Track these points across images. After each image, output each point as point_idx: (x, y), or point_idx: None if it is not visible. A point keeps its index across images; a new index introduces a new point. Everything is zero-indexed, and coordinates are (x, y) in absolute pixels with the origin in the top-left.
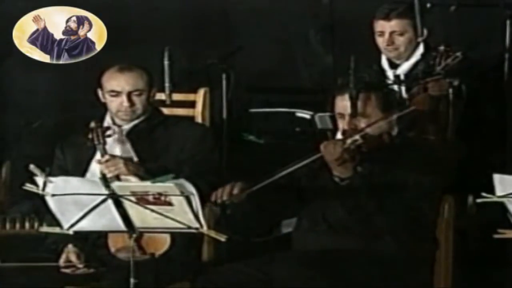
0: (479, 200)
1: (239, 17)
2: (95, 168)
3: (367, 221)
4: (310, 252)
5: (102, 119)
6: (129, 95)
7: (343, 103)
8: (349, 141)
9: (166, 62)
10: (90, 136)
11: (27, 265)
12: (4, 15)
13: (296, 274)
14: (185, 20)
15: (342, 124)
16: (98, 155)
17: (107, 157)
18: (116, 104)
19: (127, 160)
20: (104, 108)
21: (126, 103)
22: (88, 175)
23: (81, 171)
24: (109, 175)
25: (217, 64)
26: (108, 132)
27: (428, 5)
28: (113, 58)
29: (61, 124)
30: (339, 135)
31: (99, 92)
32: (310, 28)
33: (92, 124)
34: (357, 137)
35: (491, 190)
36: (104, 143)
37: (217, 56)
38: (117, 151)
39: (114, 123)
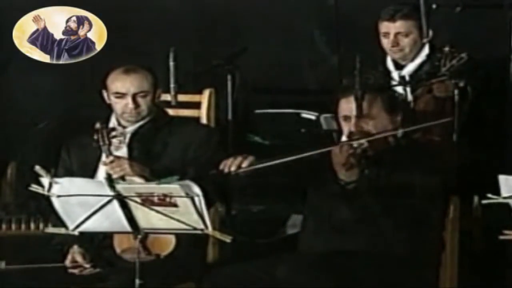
0: (484, 201)
1: (244, 18)
2: (103, 169)
3: (373, 223)
4: (315, 254)
5: (107, 120)
6: (134, 96)
7: (348, 106)
8: (355, 145)
9: (171, 63)
10: (95, 137)
11: (33, 267)
12: (5, 15)
13: (301, 275)
14: (191, 21)
15: (347, 127)
16: (104, 157)
17: (112, 158)
18: (121, 105)
19: (132, 161)
20: (109, 109)
21: (131, 105)
22: (98, 176)
23: (86, 172)
24: (114, 176)
25: (222, 65)
26: (113, 133)
27: (433, 6)
28: (117, 59)
29: (66, 125)
30: (344, 138)
31: (104, 93)
32: (315, 29)
33: (98, 125)
34: (362, 141)
35: (496, 191)
36: (110, 144)
37: (223, 57)
38: (122, 152)
39: (119, 124)
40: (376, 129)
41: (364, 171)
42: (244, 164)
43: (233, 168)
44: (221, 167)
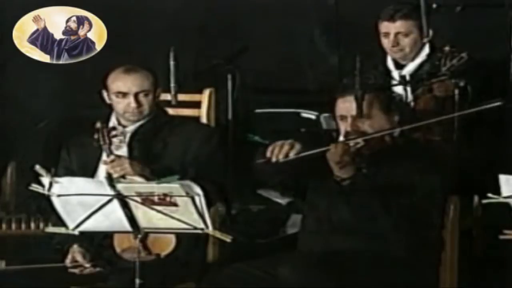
0: (484, 201)
1: (244, 17)
2: (104, 169)
3: (372, 222)
4: (315, 253)
5: (107, 119)
6: (136, 96)
7: (344, 105)
8: (351, 143)
9: (171, 63)
10: (96, 136)
11: (33, 267)
12: (5, 15)
13: (301, 275)
14: (191, 21)
15: (344, 126)
16: (104, 156)
17: (112, 157)
18: (123, 105)
19: (132, 160)
20: (109, 108)
21: (133, 104)
22: (98, 176)
23: (87, 171)
24: (114, 176)
25: (222, 64)
26: (114, 133)
27: (434, 5)
28: (117, 59)
29: (66, 125)
30: (341, 138)
31: (104, 94)
32: (316, 29)
33: (98, 125)
34: (358, 140)
35: (496, 191)
36: (110, 143)
37: (223, 57)
38: (123, 151)
39: (119, 123)
40: (372, 128)
41: (362, 170)
42: (292, 153)
43: (281, 157)
44: (268, 154)
